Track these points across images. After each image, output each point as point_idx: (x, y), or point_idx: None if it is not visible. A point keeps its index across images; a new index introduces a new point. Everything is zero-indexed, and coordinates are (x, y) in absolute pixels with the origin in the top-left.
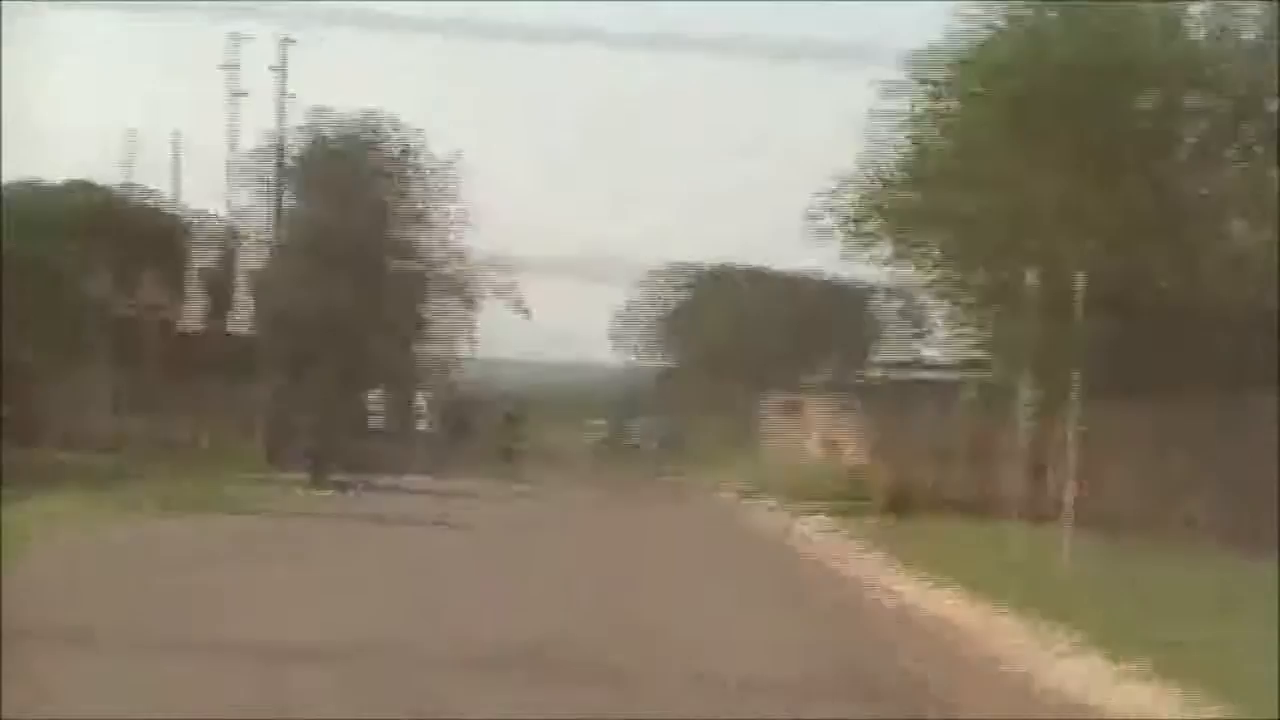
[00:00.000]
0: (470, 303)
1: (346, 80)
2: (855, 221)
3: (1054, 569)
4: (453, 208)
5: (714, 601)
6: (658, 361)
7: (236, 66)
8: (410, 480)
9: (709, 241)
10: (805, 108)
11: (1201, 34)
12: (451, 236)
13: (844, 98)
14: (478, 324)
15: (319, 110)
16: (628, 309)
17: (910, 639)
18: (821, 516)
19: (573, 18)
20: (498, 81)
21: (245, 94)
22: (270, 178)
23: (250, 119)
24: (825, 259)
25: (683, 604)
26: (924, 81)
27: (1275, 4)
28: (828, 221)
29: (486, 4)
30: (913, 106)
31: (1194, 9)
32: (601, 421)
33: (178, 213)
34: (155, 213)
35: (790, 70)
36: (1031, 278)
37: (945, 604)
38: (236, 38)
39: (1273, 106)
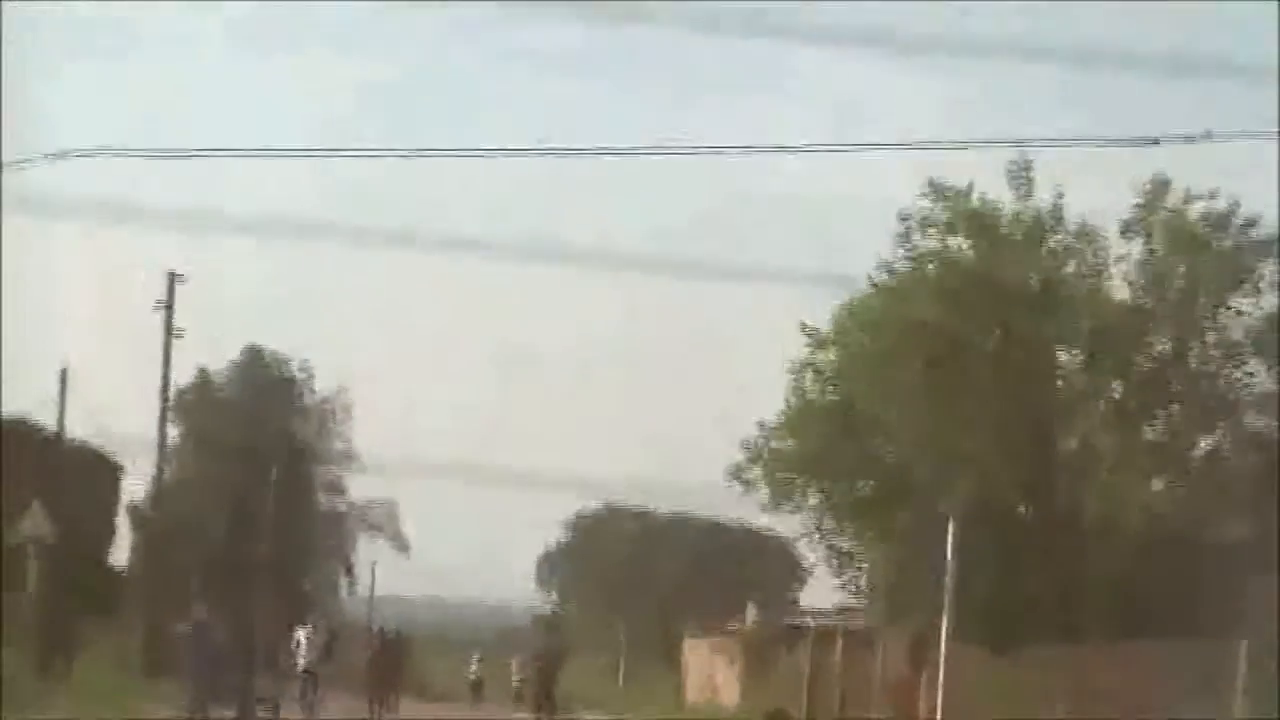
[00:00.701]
0: (352, 538)
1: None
2: (738, 468)
3: None
4: (339, 443)
5: None
6: (545, 599)
7: (169, 307)
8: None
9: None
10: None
11: (1074, 291)
12: (337, 471)
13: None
14: (358, 559)
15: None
16: (514, 544)
17: None
18: None
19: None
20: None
21: (181, 334)
22: (172, 412)
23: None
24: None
25: None
26: (810, 334)
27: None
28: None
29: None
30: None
31: (1068, 271)
32: (478, 657)
33: (66, 443)
34: (42, 443)
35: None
36: (904, 525)
37: None
38: (172, 276)
39: (1144, 363)
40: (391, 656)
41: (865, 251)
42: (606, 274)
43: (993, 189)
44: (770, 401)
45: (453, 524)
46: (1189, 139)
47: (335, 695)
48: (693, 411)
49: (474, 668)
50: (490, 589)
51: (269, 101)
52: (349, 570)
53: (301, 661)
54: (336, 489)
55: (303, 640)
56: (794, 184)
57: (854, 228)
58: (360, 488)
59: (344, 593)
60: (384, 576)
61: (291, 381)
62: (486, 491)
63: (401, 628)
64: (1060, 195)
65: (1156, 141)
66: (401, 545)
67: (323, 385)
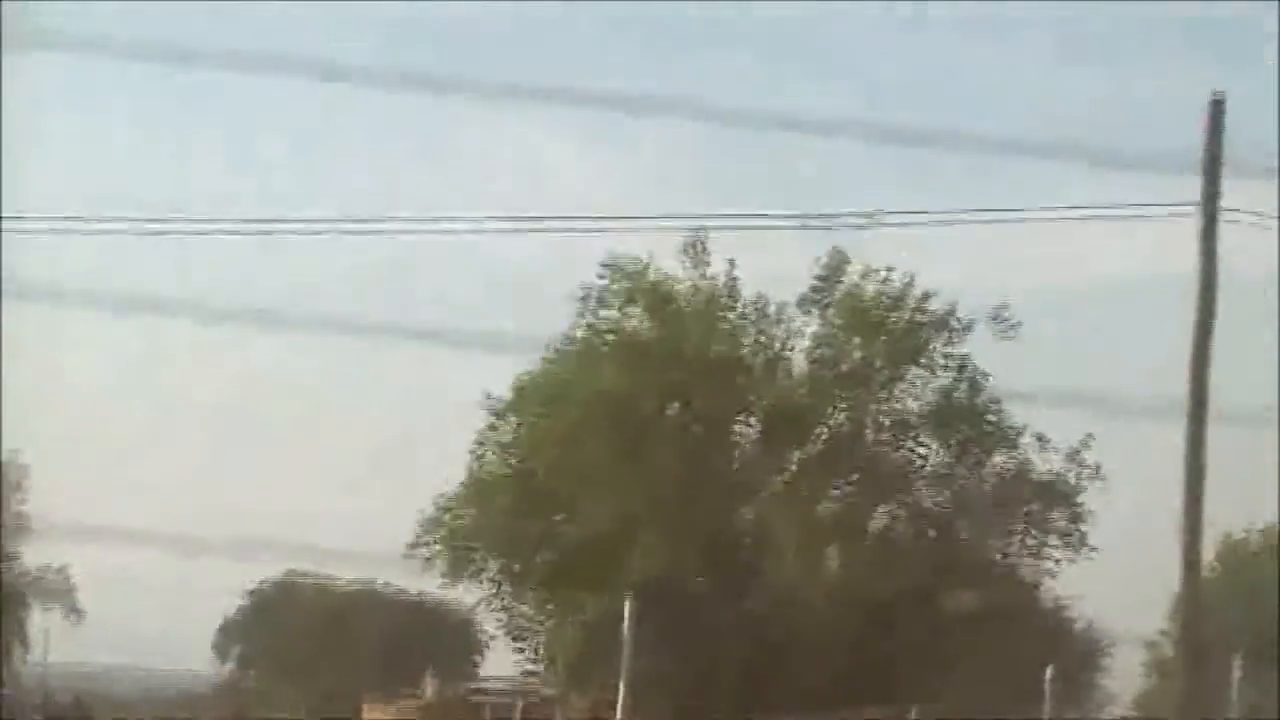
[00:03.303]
0: (26, 607)
1: None
2: (418, 539)
3: None
4: (12, 510)
5: None
6: (225, 668)
7: None
8: None
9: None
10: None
11: (752, 364)
12: (9, 539)
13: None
14: (31, 628)
15: None
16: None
17: None
18: None
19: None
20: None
21: None
22: None
23: None
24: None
25: None
26: (490, 405)
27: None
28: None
29: None
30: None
31: (745, 344)
32: None
33: None
34: None
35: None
36: (582, 600)
37: None
38: None
39: (821, 436)
40: None
41: (550, 324)
42: (291, 338)
43: (672, 264)
44: (459, 471)
45: (130, 591)
46: (864, 217)
47: None
48: (380, 480)
49: None
50: (169, 658)
51: None
52: (23, 640)
53: None
54: (9, 557)
55: None
56: (479, 255)
57: (539, 300)
58: (34, 555)
59: (19, 663)
60: (59, 645)
61: None
62: (166, 558)
63: (79, 697)
64: (733, 269)
65: (829, 226)
66: (75, 613)
67: None
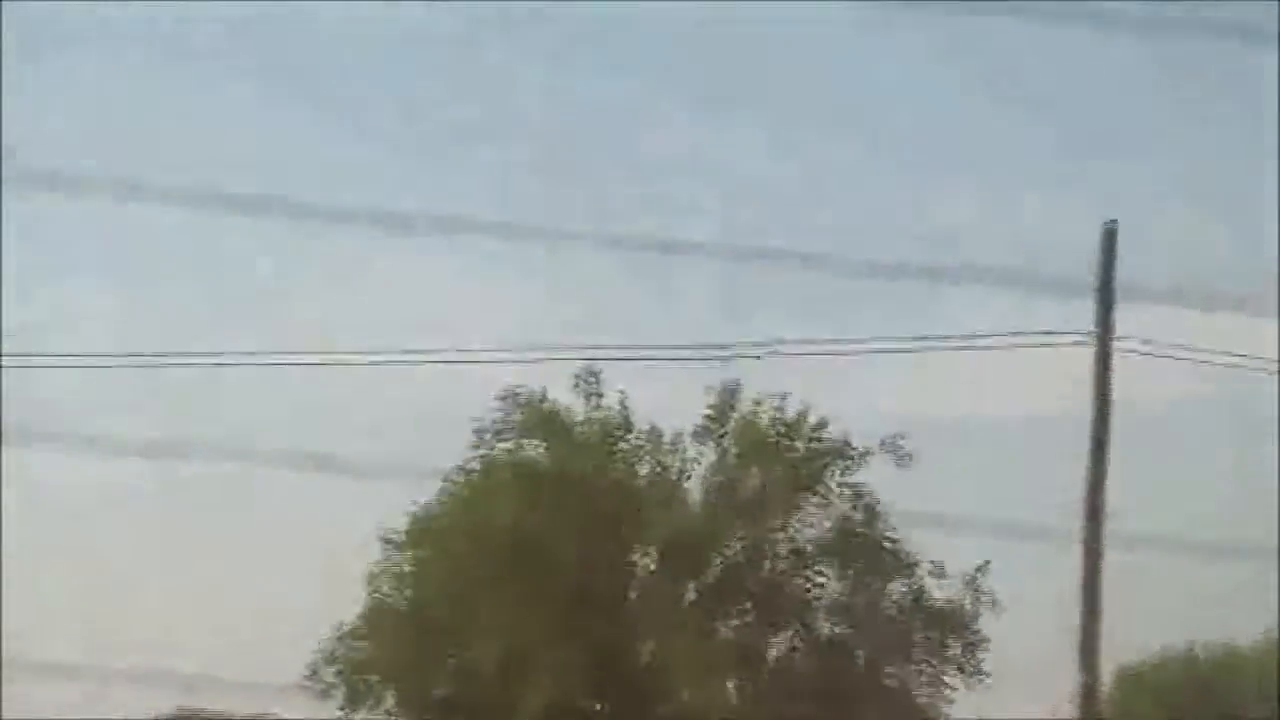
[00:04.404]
0: None
1: None
2: (314, 670)
3: None
4: None
5: None
6: None
7: None
8: None
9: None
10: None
11: (648, 494)
12: None
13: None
14: None
15: None
16: None
17: None
18: None
19: None
20: None
21: None
22: None
23: None
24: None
25: None
26: (387, 538)
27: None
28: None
29: None
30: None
31: (641, 475)
32: None
33: None
34: None
35: None
36: None
37: None
38: None
39: (718, 566)
40: None
41: (446, 456)
42: (183, 469)
43: (565, 394)
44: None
45: None
46: (759, 347)
47: None
48: (280, 608)
49: None
50: None
51: None
52: None
53: None
54: None
55: None
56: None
57: (433, 431)
58: None
59: None
60: None
61: None
62: (63, 686)
63: None
64: (624, 399)
65: (727, 357)
66: None
67: None
